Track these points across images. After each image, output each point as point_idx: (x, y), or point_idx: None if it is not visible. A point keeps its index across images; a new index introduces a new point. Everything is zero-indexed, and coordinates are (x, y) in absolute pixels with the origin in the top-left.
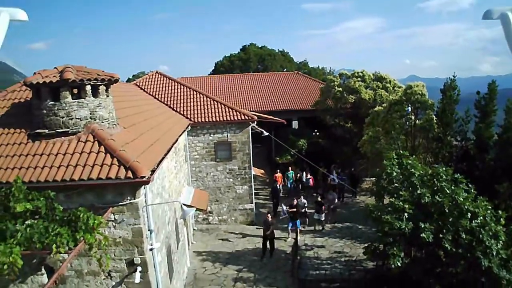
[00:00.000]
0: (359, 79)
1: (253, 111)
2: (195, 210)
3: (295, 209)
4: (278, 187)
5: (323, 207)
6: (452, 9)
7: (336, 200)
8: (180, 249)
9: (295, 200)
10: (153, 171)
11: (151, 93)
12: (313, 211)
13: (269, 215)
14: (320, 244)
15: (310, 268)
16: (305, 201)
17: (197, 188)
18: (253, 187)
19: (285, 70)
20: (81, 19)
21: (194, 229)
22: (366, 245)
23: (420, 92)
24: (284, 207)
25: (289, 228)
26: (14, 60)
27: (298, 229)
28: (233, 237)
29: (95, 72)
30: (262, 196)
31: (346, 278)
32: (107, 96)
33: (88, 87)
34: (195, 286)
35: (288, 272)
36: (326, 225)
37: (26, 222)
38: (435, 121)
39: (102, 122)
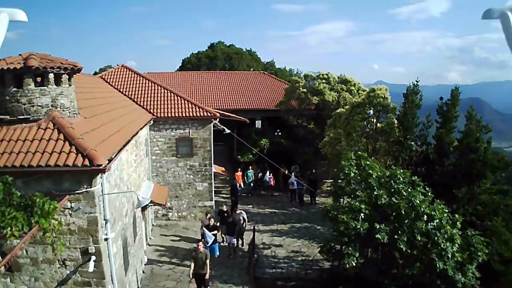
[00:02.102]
0: (324, 81)
1: (217, 109)
2: (153, 205)
3: (215, 231)
4: (238, 186)
5: (236, 229)
6: (421, 17)
7: (243, 222)
8: (137, 243)
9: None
10: (110, 160)
11: (116, 86)
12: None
13: (200, 244)
14: (278, 243)
15: (267, 266)
16: (243, 215)
17: (157, 183)
18: (213, 184)
19: (252, 69)
20: (53, 9)
21: (153, 225)
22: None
23: (383, 96)
24: (206, 231)
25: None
26: None
27: (216, 256)
28: (191, 234)
29: (58, 61)
30: (222, 194)
31: (302, 277)
32: (70, 85)
33: (51, 75)
34: (151, 281)
35: (244, 270)
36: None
37: None
38: (396, 125)
39: (63, 110)
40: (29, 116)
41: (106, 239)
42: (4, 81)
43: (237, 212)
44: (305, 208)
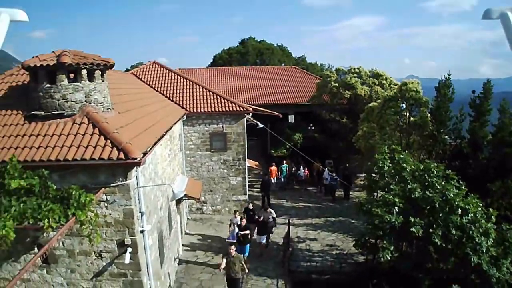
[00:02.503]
0: (355, 75)
1: (249, 104)
2: (188, 199)
3: (247, 231)
4: (272, 180)
5: (267, 228)
6: (453, 10)
7: (273, 221)
8: (172, 236)
9: (259, 215)
10: (144, 154)
11: (148, 82)
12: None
13: (232, 247)
14: (313, 237)
15: (301, 259)
16: (273, 214)
17: (191, 178)
18: (247, 178)
19: (283, 64)
20: (82, 8)
21: (188, 219)
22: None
23: (415, 89)
24: (236, 229)
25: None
26: (13, 48)
27: (245, 258)
28: (226, 227)
29: (91, 57)
30: (256, 188)
31: (336, 270)
32: (103, 81)
33: (84, 71)
34: (186, 274)
35: (279, 263)
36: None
37: (20, 199)
38: (429, 119)
39: (97, 105)
40: (63, 112)
41: (142, 231)
42: (37, 77)
43: (267, 210)
44: (338, 202)
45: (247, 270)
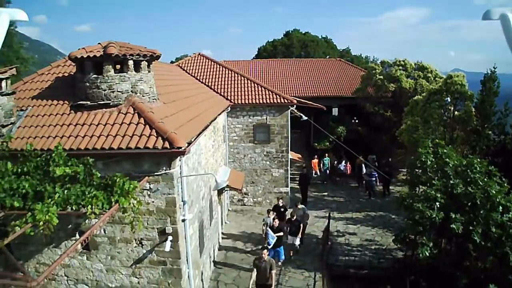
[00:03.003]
0: (400, 67)
1: (293, 96)
2: (230, 189)
3: (281, 233)
4: (314, 173)
5: (301, 227)
6: (499, 2)
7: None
8: (213, 227)
9: (291, 214)
10: (189, 143)
11: (193, 74)
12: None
13: (264, 252)
14: (352, 231)
15: (340, 253)
16: (305, 210)
17: (234, 169)
18: (289, 171)
19: (327, 57)
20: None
21: (228, 210)
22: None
23: (460, 83)
24: (270, 232)
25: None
26: (59, 42)
27: (280, 261)
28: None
29: (137, 48)
30: (298, 181)
31: (374, 265)
32: (149, 72)
33: (130, 62)
34: (225, 263)
35: (317, 256)
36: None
37: (64, 186)
38: (474, 113)
39: (143, 96)
40: (109, 102)
41: (183, 220)
42: (84, 68)
43: (298, 207)
44: (379, 197)
45: (274, 283)
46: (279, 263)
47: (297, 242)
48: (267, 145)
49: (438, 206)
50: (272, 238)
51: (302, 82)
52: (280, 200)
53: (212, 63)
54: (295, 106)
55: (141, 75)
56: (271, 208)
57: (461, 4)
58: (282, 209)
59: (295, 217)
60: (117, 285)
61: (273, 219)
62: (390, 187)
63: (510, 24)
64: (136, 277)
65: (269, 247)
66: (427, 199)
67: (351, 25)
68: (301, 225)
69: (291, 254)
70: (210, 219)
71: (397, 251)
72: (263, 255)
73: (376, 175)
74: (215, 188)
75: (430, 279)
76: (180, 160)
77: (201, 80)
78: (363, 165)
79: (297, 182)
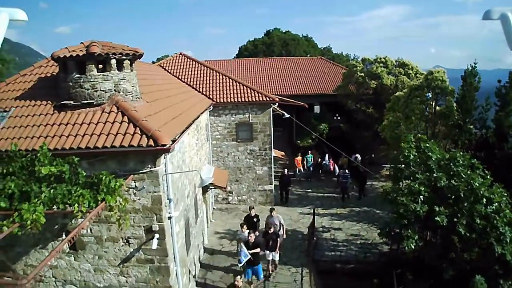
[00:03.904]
0: (381, 64)
1: (275, 94)
2: (214, 188)
3: (257, 249)
4: (297, 171)
5: (278, 241)
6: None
7: (280, 228)
8: (198, 225)
9: (268, 225)
10: (173, 141)
11: (174, 74)
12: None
13: (237, 278)
14: (337, 226)
15: (326, 249)
16: (280, 219)
17: (218, 167)
18: (273, 168)
19: (308, 55)
20: (106, 3)
21: (213, 208)
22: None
23: (441, 79)
24: (244, 250)
25: (247, 278)
26: (39, 44)
27: (259, 280)
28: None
29: (120, 47)
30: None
31: (361, 260)
32: (131, 71)
33: (113, 61)
34: (212, 262)
35: (304, 252)
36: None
37: (50, 185)
38: (455, 108)
39: (126, 95)
40: (92, 101)
41: (169, 218)
42: (67, 68)
43: (273, 215)
44: (353, 200)
45: None
46: (258, 282)
47: (277, 258)
48: (250, 143)
49: (422, 199)
50: (245, 256)
51: (284, 80)
52: (252, 209)
53: (194, 62)
54: (277, 104)
55: (124, 74)
56: (243, 220)
57: (440, 1)
58: (254, 219)
59: (272, 230)
60: (105, 284)
61: (248, 233)
62: (374, 183)
63: (510, 24)
64: (124, 276)
65: (240, 264)
66: (411, 192)
67: (332, 24)
68: (278, 238)
69: (270, 270)
70: (196, 217)
71: (382, 245)
72: (237, 282)
73: (349, 176)
74: (200, 185)
75: (416, 271)
76: (164, 158)
77: (183, 79)
78: (336, 166)
79: (278, 185)
